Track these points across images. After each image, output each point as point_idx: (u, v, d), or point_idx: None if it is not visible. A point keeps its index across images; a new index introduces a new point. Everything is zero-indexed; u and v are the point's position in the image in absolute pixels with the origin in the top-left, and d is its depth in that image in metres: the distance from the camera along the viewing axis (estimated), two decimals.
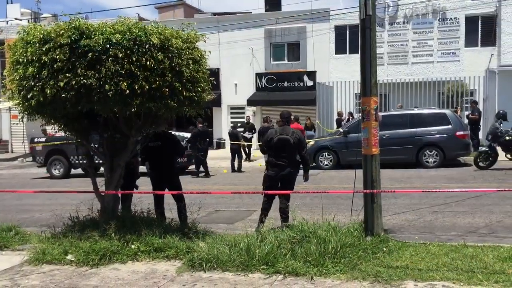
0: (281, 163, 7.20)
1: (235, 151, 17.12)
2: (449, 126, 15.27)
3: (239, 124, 18.73)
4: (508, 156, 13.86)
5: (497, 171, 13.27)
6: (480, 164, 13.90)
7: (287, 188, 7.30)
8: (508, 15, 21.93)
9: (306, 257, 5.37)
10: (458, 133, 15.17)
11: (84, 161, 15.96)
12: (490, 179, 12.11)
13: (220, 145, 25.24)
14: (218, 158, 19.69)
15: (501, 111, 14.34)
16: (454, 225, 7.55)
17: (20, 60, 6.06)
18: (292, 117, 18.85)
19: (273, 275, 5.18)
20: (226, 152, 19.90)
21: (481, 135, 18.92)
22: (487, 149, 13.91)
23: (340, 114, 21.32)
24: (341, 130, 16.99)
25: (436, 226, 7.48)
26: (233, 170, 17.06)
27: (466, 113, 19.78)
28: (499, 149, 13.88)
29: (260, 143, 17.20)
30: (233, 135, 17.47)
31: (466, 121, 18.61)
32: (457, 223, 7.67)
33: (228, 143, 18.63)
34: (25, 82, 6.01)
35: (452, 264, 5.21)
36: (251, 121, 18.37)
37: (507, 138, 13.52)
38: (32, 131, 23.17)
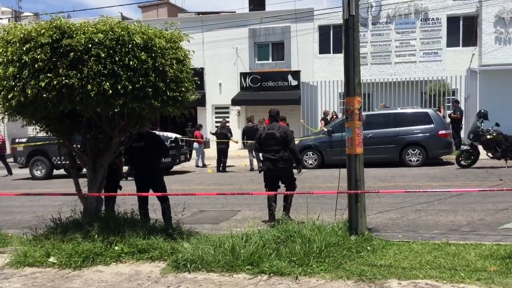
0: (270, 157, 7.80)
1: (222, 151, 17.08)
2: (432, 125, 15.44)
3: (216, 127, 18.64)
4: (489, 154, 14.06)
5: (479, 170, 13.47)
6: (462, 162, 14.10)
7: (286, 180, 7.99)
8: (489, 15, 22.26)
9: (291, 257, 5.38)
10: (440, 132, 15.36)
11: (66, 162, 15.92)
12: (472, 177, 12.28)
13: (205, 145, 25.16)
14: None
15: (482, 110, 14.55)
16: (437, 223, 7.63)
17: (0, 60, 5.95)
18: (263, 119, 18.99)
19: (258, 275, 5.18)
20: (211, 151, 19.87)
21: (463, 134, 19.18)
22: (469, 148, 14.12)
23: (326, 114, 21.34)
24: (325, 129, 17.07)
25: (419, 225, 7.56)
26: (218, 170, 17.03)
27: (448, 112, 20.02)
28: (480, 148, 14.09)
29: (245, 142, 17.37)
30: (221, 135, 17.39)
31: (448, 120, 18.85)
32: (440, 221, 7.75)
33: (213, 143, 18.61)
34: (5, 82, 5.91)
35: (435, 262, 5.26)
36: (227, 124, 18.34)
37: (488, 137, 13.72)
38: (13, 131, 22.84)
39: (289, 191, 7.85)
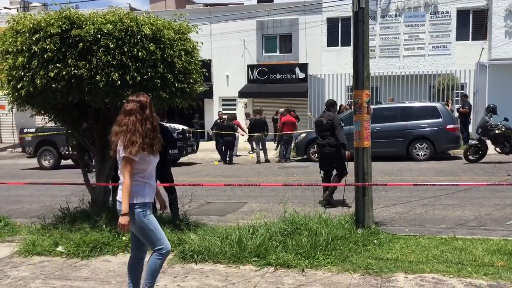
0: (319, 142, 8.84)
1: (229, 143, 17.07)
2: (440, 120, 15.35)
3: (219, 121, 18.61)
4: (498, 149, 13.98)
5: (487, 164, 13.39)
6: (470, 157, 14.02)
7: (334, 162, 8.67)
8: (499, 9, 22.02)
9: (297, 249, 5.39)
10: (448, 126, 15.27)
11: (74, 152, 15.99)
12: (479, 172, 12.22)
13: (211, 137, 25.22)
14: (209, 150, 19.66)
15: (491, 105, 14.45)
16: (444, 218, 7.61)
17: (10, 49, 5.98)
18: (283, 110, 19.00)
19: (264, 267, 5.20)
20: (212, 144, 19.84)
21: (471, 128, 19.06)
22: (477, 142, 14.02)
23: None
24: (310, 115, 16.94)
25: (426, 219, 7.54)
26: (225, 162, 17.05)
27: (457, 106, 19.89)
28: (488, 142, 14.00)
29: (252, 135, 17.38)
30: (228, 127, 17.36)
31: (456, 114, 18.73)
32: (447, 216, 7.73)
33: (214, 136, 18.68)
34: (14, 72, 5.94)
35: (442, 257, 5.25)
36: (224, 117, 18.38)
37: (496, 131, 13.63)
38: (22, 121, 22.98)
39: (338, 175, 8.63)
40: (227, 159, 16.99)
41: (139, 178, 3.91)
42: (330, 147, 8.60)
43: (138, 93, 4.11)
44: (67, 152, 16.89)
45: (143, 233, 3.97)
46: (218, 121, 18.03)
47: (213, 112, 25.76)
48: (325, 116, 8.82)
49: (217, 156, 18.02)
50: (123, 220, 3.78)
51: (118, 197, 3.95)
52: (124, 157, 3.81)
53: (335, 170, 8.75)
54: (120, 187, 3.93)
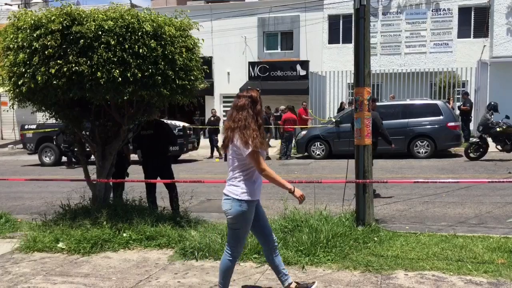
0: None
1: None
2: (441, 117, 15.34)
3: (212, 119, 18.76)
4: (499, 147, 13.98)
5: (488, 162, 13.39)
6: (471, 155, 14.01)
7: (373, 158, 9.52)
8: (501, 7, 21.98)
9: (297, 246, 5.40)
10: (449, 124, 15.26)
11: (64, 146, 16.02)
12: (480, 170, 12.21)
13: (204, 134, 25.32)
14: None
15: (492, 103, 14.44)
16: (445, 215, 7.61)
17: (11, 46, 5.98)
18: (284, 107, 19.01)
19: (264, 264, 5.20)
20: (206, 141, 19.87)
21: (472, 126, 19.05)
22: (478, 140, 14.02)
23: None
24: (333, 119, 17.03)
25: (426, 216, 7.54)
26: (225, 159, 17.05)
27: (458, 104, 19.86)
28: (489, 140, 14.00)
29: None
30: None
31: (457, 112, 18.72)
32: (447, 213, 7.73)
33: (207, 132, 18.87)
34: (15, 68, 5.94)
35: (442, 254, 5.26)
36: (217, 114, 18.57)
37: (498, 129, 13.63)
38: (23, 118, 23.00)
39: None
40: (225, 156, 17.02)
41: (249, 175, 3.93)
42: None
43: (249, 88, 4.13)
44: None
45: (233, 228, 4.00)
46: (212, 118, 18.25)
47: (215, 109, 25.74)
48: None
49: (217, 153, 18.10)
50: (298, 192, 3.98)
51: (225, 191, 4.00)
52: (252, 151, 3.81)
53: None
54: (229, 182, 3.99)
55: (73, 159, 16.08)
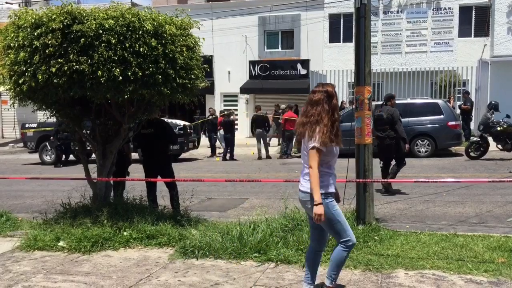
0: (380, 135, 9.26)
1: (228, 140, 17.10)
2: (441, 116, 15.34)
3: (210, 117, 18.79)
4: (499, 146, 13.97)
5: (488, 161, 13.39)
6: (471, 154, 14.01)
7: (394, 154, 9.38)
8: (502, 6, 21.94)
9: (298, 245, 5.40)
10: (450, 123, 15.25)
11: (76, 147, 16.04)
12: (481, 169, 12.21)
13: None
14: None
15: (493, 102, 14.43)
16: (445, 214, 7.61)
17: (12, 44, 5.98)
18: (284, 106, 19.01)
19: (265, 262, 5.21)
20: (205, 140, 19.88)
21: (472, 125, 19.03)
22: (479, 139, 14.01)
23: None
24: None
25: (427, 216, 7.54)
26: (224, 158, 17.07)
27: (459, 103, 19.84)
28: (490, 139, 13.99)
29: (253, 131, 17.38)
30: (228, 124, 17.38)
31: (458, 111, 18.70)
32: (448, 212, 7.73)
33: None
34: (16, 67, 5.94)
35: (442, 253, 5.26)
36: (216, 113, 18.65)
37: (498, 128, 13.62)
38: (23, 116, 23.00)
39: (397, 165, 9.38)
40: (227, 156, 17.04)
41: (324, 168, 3.88)
42: (390, 139, 9.22)
43: (323, 83, 4.07)
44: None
45: (330, 224, 3.92)
46: (210, 117, 18.27)
47: (214, 108, 25.70)
48: (385, 110, 9.43)
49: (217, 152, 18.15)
50: (319, 210, 3.74)
51: (303, 188, 3.92)
52: (313, 147, 3.77)
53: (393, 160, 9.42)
54: (304, 177, 3.93)
55: (62, 158, 16.25)
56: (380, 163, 9.44)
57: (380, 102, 16.83)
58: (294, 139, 4.03)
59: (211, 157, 17.91)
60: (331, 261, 4.07)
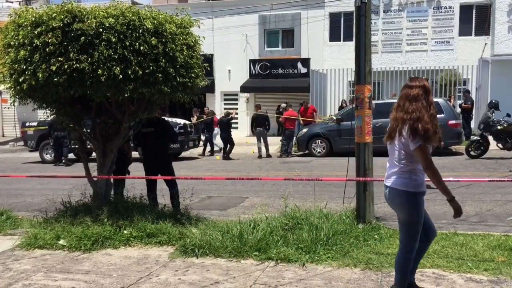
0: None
1: (226, 139, 17.10)
2: (442, 115, 15.28)
3: (204, 116, 18.84)
4: (500, 145, 13.96)
5: (488, 160, 13.38)
6: (472, 153, 14.00)
7: None
8: (502, 4, 21.91)
9: (298, 244, 5.40)
10: (450, 122, 15.23)
11: (76, 146, 16.03)
12: (481, 168, 12.21)
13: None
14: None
15: (493, 101, 14.42)
16: (445, 213, 7.60)
17: (12, 43, 5.98)
18: (285, 105, 19.01)
19: (265, 261, 5.21)
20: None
21: (473, 124, 19.02)
22: (479, 138, 14.01)
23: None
24: (333, 117, 17.02)
25: None
26: (223, 157, 17.06)
27: (459, 102, 19.82)
28: (490, 138, 13.98)
29: (253, 130, 17.38)
30: (224, 123, 17.37)
31: (458, 110, 18.69)
32: (448, 211, 7.69)
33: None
34: (16, 65, 5.94)
35: (442, 252, 5.26)
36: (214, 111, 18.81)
37: (498, 127, 13.61)
38: (24, 115, 23.00)
39: None
40: (225, 154, 17.05)
41: (418, 166, 3.81)
42: None
43: (419, 78, 3.93)
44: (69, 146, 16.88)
45: (409, 224, 3.90)
46: (205, 116, 18.38)
47: (214, 106, 25.75)
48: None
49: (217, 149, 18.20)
50: (456, 205, 3.81)
51: (394, 185, 3.86)
52: (420, 146, 3.67)
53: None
54: (393, 175, 3.87)
55: (62, 156, 16.22)
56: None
57: (380, 101, 16.92)
58: (386, 133, 3.96)
59: (211, 156, 17.92)
60: (396, 266, 4.16)
